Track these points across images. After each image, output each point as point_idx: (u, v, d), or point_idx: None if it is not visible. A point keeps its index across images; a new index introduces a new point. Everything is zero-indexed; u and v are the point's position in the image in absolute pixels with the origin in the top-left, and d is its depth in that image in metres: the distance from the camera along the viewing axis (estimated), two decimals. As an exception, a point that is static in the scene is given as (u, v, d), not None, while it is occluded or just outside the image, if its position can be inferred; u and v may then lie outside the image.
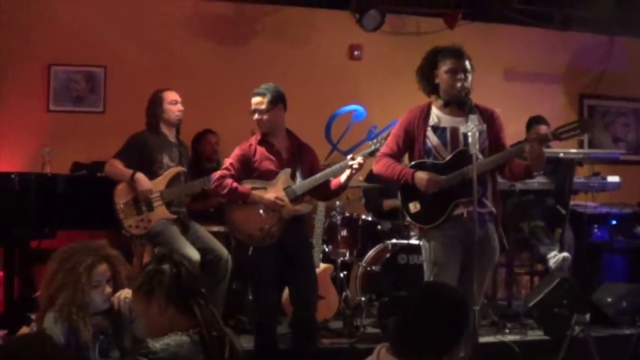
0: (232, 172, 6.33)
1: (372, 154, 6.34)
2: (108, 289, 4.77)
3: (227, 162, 6.44)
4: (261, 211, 6.27)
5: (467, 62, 5.81)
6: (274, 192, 6.30)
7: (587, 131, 5.99)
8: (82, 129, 9.11)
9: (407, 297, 3.99)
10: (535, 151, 5.47)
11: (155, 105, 7.11)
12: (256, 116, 6.36)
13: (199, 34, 9.67)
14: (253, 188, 6.30)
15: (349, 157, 6.36)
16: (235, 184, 6.26)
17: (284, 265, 6.36)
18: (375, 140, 6.42)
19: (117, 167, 6.90)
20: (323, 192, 6.60)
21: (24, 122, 9.00)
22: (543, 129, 8.22)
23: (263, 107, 6.34)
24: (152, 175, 6.90)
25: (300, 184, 6.39)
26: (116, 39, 9.28)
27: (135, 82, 8.98)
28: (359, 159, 6.24)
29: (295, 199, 6.36)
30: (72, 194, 7.72)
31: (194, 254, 6.44)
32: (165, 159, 7.01)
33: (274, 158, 6.39)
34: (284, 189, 6.34)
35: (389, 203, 8.66)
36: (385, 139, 6.25)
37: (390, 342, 3.38)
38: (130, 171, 6.83)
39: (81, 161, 8.55)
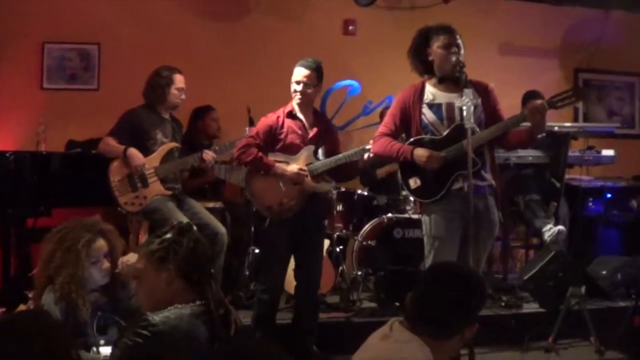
0: (258, 141, 6.38)
1: None
2: (106, 264, 4.80)
3: (254, 130, 6.50)
4: (282, 184, 6.33)
5: (458, 38, 5.82)
6: (296, 166, 6.34)
7: (581, 99, 6.01)
8: (77, 106, 9.08)
9: (425, 273, 4.00)
10: (537, 112, 5.52)
11: (162, 82, 7.01)
12: (300, 87, 6.37)
13: (193, 9, 9.64)
14: (276, 161, 6.34)
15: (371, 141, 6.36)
16: (260, 154, 6.32)
17: (295, 241, 6.44)
18: None
19: (110, 145, 6.87)
20: (342, 173, 6.68)
21: (18, 100, 8.97)
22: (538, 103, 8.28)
23: (309, 80, 6.37)
24: (146, 151, 6.87)
25: (323, 161, 6.44)
26: (110, 15, 9.24)
27: (130, 59, 8.99)
28: None
29: (316, 177, 6.40)
30: (68, 171, 7.73)
31: (192, 230, 6.41)
32: (159, 135, 6.98)
33: (300, 132, 6.43)
34: (306, 165, 6.38)
35: (382, 171, 8.65)
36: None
37: (405, 317, 3.40)
38: (122, 147, 6.80)
39: (76, 139, 8.51)
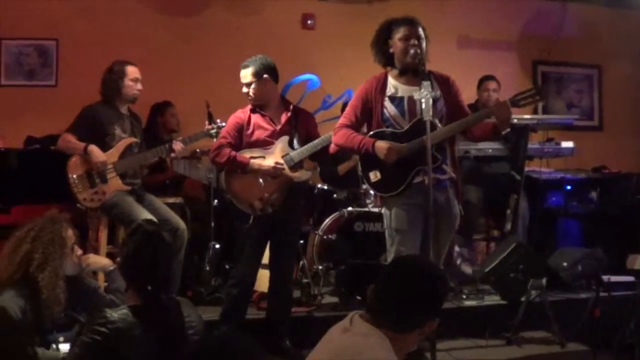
0: (230, 140, 6.36)
1: None
2: (79, 252, 4.83)
3: (224, 131, 6.49)
4: (260, 180, 6.30)
5: (420, 30, 5.80)
6: (272, 160, 6.32)
7: (544, 98, 6.06)
8: (35, 102, 9.02)
9: (388, 266, 4.01)
10: (503, 111, 5.55)
11: (115, 76, 6.92)
12: (244, 90, 6.39)
13: (152, 4, 9.60)
14: (251, 157, 6.32)
15: None
16: (233, 153, 6.29)
17: (272, 235, 6.48)
18: None
19: (70, 141, 6.78)
20: (324, 156, 6.65)
21: (-24, 97, 8.90)
22: (492, 84, 8.41)
23: (247, 80, 6.37)
24: (104, 147, 6.77)
25: (298, 151, 6.41)
26: (67, 11, 9.19)
27: (88, 54, 8.93)
28: None
29: (294, 166, 6.39)
30: (27, 168, 7.65)
31: (152, 224, 6.37)
32: (117, 131, 6.90)
33: (268, 127, 6.40)
34: (282, 157, 6.36)
35: (343, 167, 8.66)
36: None
37: (366, 309, 3.40)
38: (83, 144, 6.70)
39: (35, 135, 8.44)
